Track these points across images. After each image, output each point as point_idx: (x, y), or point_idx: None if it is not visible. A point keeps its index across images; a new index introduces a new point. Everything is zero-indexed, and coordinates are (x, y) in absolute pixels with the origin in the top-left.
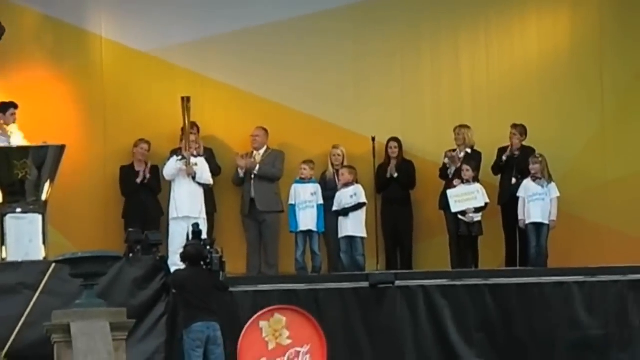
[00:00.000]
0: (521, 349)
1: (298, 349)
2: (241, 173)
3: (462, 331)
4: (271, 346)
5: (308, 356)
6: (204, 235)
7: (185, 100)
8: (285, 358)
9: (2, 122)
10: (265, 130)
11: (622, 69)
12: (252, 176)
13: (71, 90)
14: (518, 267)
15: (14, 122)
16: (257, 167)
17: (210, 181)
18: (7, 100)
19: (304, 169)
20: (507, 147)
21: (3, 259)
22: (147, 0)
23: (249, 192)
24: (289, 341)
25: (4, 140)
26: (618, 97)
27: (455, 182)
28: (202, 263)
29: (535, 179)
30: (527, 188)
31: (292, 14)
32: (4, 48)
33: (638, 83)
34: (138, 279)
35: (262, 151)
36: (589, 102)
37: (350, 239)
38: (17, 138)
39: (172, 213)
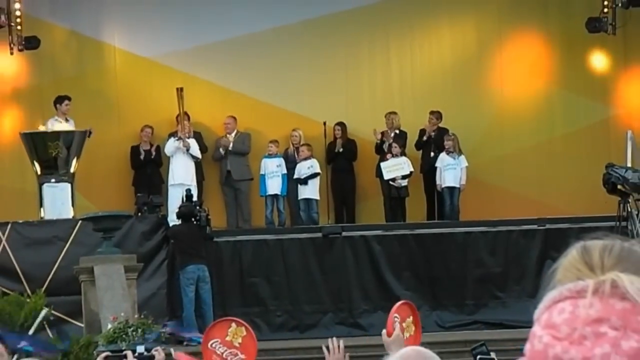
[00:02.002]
0: (439, 283)
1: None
2: (222, 152)
3: (394, 270)
4: (228, 338)
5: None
6: (195, 198)
7: (180, 91)
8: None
9: (60, 112)
10: (234, 118)
11: (517, 66)
12: (227, 153)
13: (92, 87)
14: (436, 221)
15: (67, 111)
16: (231, 145)
17: (199, 156)
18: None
19: (271, 147)
20: (426, 130)
21: (42, 218)
22: (150, 17)
23: (225, 165)
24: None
25: (61, 125)
26: (514, 89)
27: (387, 156)
28: (193, 219)
29: (448, 152)
30: (443, 160)
31: (261, 28)
32: (40, 56)
33: (529, 78)
34: (145, 232)
35: (233, 134)
36: (491, 93)
37: (307, 200)
38: (71, 124)
39: (170, 181)
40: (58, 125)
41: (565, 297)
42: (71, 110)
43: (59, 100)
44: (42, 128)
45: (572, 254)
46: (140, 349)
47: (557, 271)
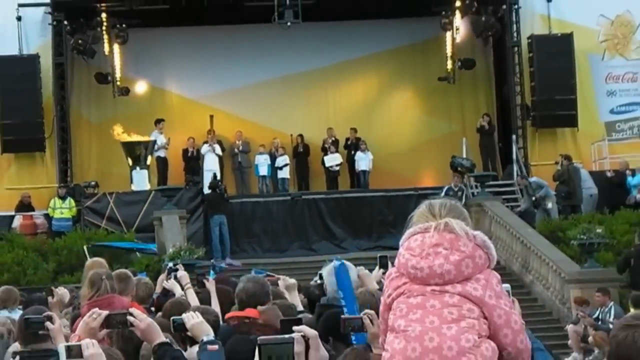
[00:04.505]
0: (358, 224)
1: None
2: (236, 150)
3: (332, 217)
4: None
5: None
6: (218, 177)
7: (211, 117)
8: None
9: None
10: (241, 132)
11: (399, 103)
12: (240, 152)
13: (159, 115)
14: (355, 189)
15: (163, 128)
16: (241, 147)
17: (221, 154)
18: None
19: (261, 148)
20: (349, 138)
21: (132, 190)
22: (193, 74)
23: (237, 159)
24: None
25: (159, 137)
26: (397, 115)
27: (328, 153)
28: (217, 190)
29: (362, 151)
30: (359, 155)
31: (265, 78)
32: (129, 99)
33: (405, 109)
34: (190, 197)
35: (241, 140)
36: (384, 118)
37: (283, 179)
38: (160, 137)
39: (205, 168)
40: (158, 136)
41: (418, 232)
42: (168, 127)
43: (158, 121)
44: (127, 137)
45: (422, 207)
46: (170, 264)
47: (413, 217)
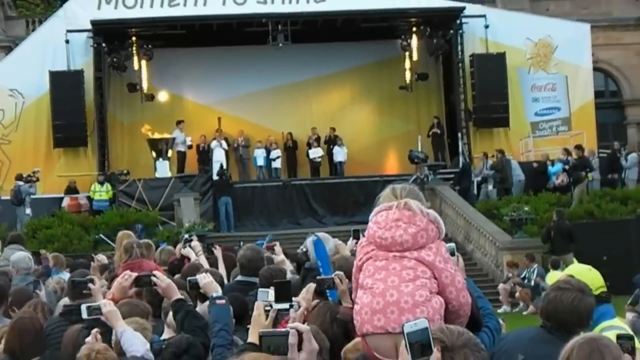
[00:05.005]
0: (335, 204)
1: None
2: (236, 145)
3: (315, 199)
4: None
5: None
6: (224, 167)
7: (219, 119)
8: None
9: (178, 128)
10: (243, 130)
11: (367, 108)
12: (242, 147)
13: (177, 118)
14: (334, 176)
15: (183, 127)
16: (243, 142)
17: (227, 148)
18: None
19: (258, 144)
20: (328, 135)
21: (156, 177)
22: (206, 83)
23: (239, 152)
24: None
25: (180, 137)
26: (366, 118)
27: (312, 147)
28: (223, 177)
29: (339, 145)
30: (336, 149)
31: (262, 88)
32: (154, 104)
33: (372, 114)
34: (202, 182)
35: (242, 137)
36: (357, 120)
37: (276, 168)
38: (181, 135)
39: (214, 159)
40: (179, 134)
41: (383, 209)
42: (185, 127)
43: (179, 122)
44: (150, 134)
45: (387, 190)
46: (186, 235)
47: (380, 198)
